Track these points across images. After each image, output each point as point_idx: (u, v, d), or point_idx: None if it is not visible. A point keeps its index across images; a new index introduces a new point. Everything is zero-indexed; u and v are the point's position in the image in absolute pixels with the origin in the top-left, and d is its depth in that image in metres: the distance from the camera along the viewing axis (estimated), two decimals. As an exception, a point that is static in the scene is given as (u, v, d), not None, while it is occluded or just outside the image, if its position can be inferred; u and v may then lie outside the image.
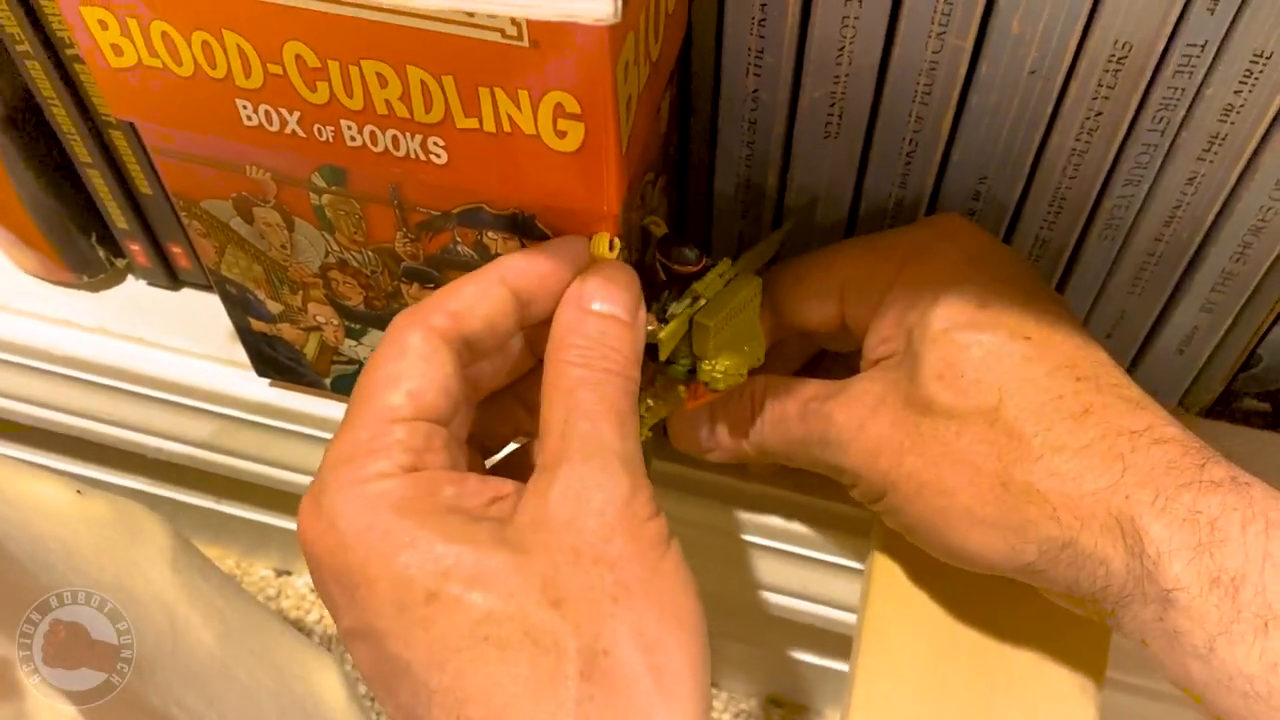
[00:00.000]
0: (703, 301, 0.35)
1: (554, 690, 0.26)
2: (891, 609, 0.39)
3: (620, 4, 0.22)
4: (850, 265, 0.37)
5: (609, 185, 0.31)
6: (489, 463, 0.37)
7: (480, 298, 0.31)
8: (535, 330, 0.33)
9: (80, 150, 0.44)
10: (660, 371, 0.36)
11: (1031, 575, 0.32)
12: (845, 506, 0.44)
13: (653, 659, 0.27)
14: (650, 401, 0.37)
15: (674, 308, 0.35)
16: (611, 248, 0.32)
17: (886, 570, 0.40)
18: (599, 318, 0.31)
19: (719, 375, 0.35)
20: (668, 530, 0.30)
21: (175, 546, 0.41)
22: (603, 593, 0.28)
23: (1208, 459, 0.31)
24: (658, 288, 0.36)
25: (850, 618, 0.46)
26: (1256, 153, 0.35)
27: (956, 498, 0.32)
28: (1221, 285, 0.40)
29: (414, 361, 0.30)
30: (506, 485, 0.31)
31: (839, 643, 0.46)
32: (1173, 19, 0.32)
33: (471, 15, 0.27)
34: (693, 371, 0.36)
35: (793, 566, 0.46)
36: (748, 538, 0.46)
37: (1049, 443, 0.31)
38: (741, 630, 0.54)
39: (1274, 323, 0.40)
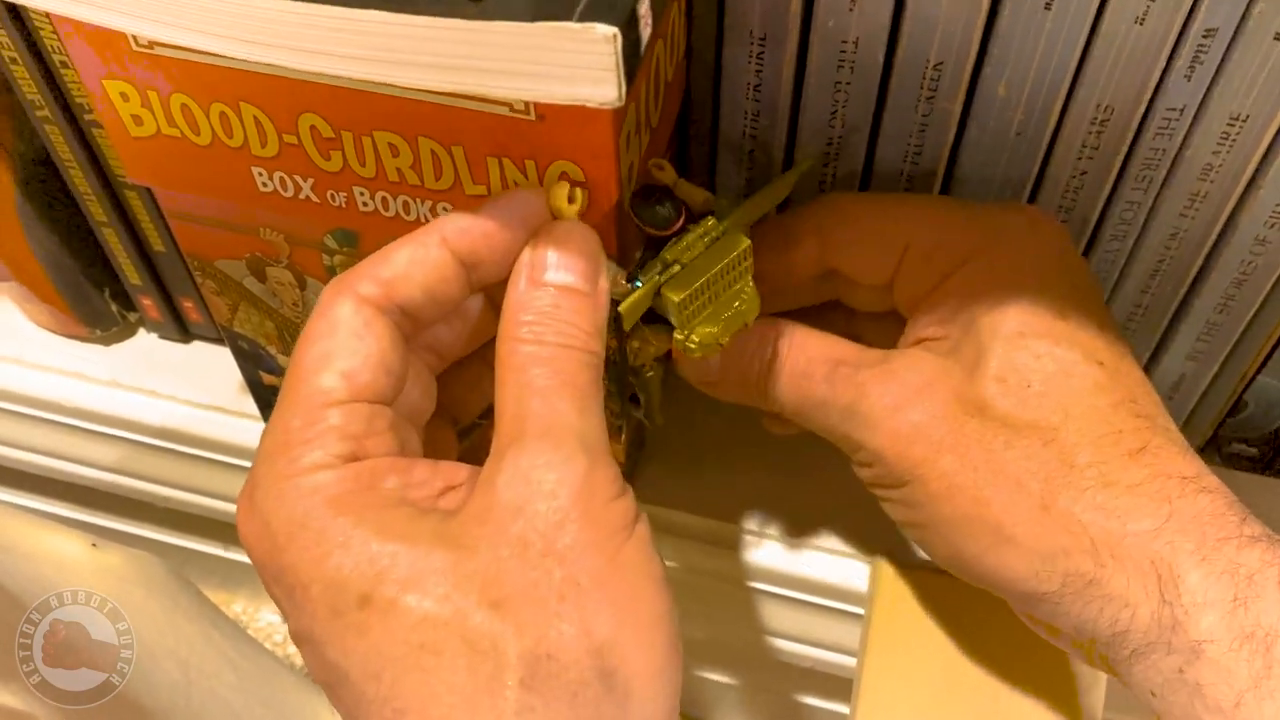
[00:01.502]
0: (676, 268, 0.32)
1: (492, 701, 0.24)
2: (891, 653, 0.40)
3: (625, 89, 0.23)
4: (920, 224, 0.34)
5: (610, 248, 0.32)
6: (461, 438, 0.34)
7: (416, 262, 0.28)
8: (497, 290, 0.30)
9: (96, 210, 0.46)
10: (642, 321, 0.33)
11: (1037, 604, 0.31)
12: (845, 550, 0.44)
13: (604, 662, 0.25)
14: (637, 342, 0.34)
15: (644, 273, 0.32)
16: (572, 200, 0.29)
17: (886, 615, 0.41)
18: (553, 289, 0.28)
19: (692, 345, 0.33)
20: (633, 512, 0.27)
21: (188, 598, 0.42)
22: (549, 590, 0.25)
23: (1246, 514, 0.30)
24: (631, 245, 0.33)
25: (850, 660, 0.47)
26: (1236, 209, 0.36)
27: (989, 509, 0.31)
28: (1206, 335, 0.41)
29: (345, 337, 0.27)
30: (460, 472, 0.28)
31: (839, 685, 0.47)
32: (1152, 84, 0.33)
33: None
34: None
35: (792, 611, 0.47)
36: (747, 582, 0.46)
37: (1101, 476, 0.30)
38: (740, 674, 0.55)
39: (1259, 371, 0.41)
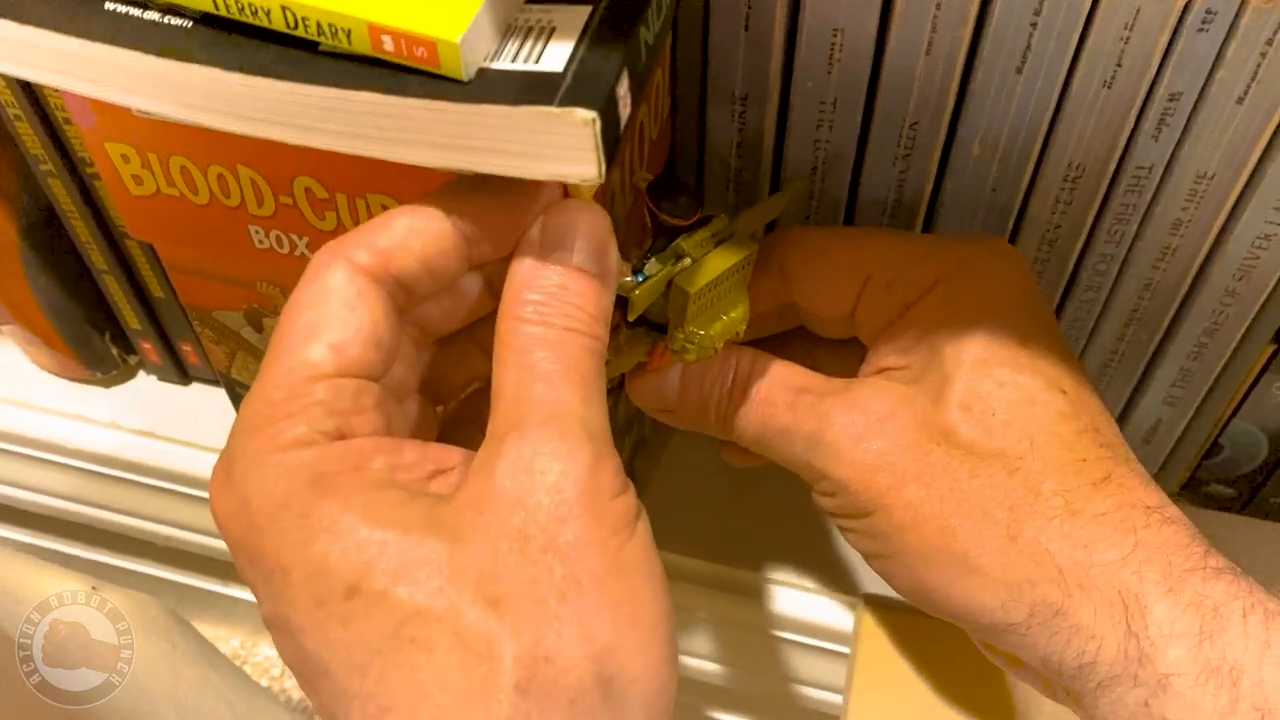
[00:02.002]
0: (687, 261, 0.31)
1: (485, 704, 0.23)
2: (875, 691, 0.41)
3: (605, 167, 0.24)
4: (883, 256, 0.34)
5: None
6: (440, 415, 0.33)
7: (416, 232, 0.27)
8: (495, 268, 0.28)
9: (97, 258, 0.47)
10: (625, 323, 0.32)
11: (1002, 636, 0.31)
12: (831, 592, 0.45)
13: (603, 667, 0.24)
14: (609, 355, 0.31)
15: (654, 264, 0.31)
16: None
17: (870, 654, 0.41)
18: (561, 269, 0.27)
19: (691, 346, 0.32)
20: (635, 508, 0.26)
21: (186, 640, 0.42)
22: (549, 588, 0.24)
23: (1209, 546, 0.30)
24: (640, 234, 0.32)
25: (836, 698, 0.48)
26: (1206, 262, 0.37)
27: (955, 538, 0.30)
28: (1181, 381, 0.42)
29: (336, 308, 0.26)
30: (452, 455, 0.27)
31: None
32: (1121, 144, 0.34)
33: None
34: (662, 330, 0.32)
35: (774, 649, 0.47)
36: (730, 620, 0.47)
37: (1067, 505, 0.30)
38: (724, 709, 0.56)
39: (1233, 415, 0.42)
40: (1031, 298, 0.33)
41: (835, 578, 0.46)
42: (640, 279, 0.30)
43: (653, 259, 0.31)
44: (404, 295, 0.27)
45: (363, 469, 0.25)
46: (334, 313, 0.26)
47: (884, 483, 0.31)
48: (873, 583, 0.42)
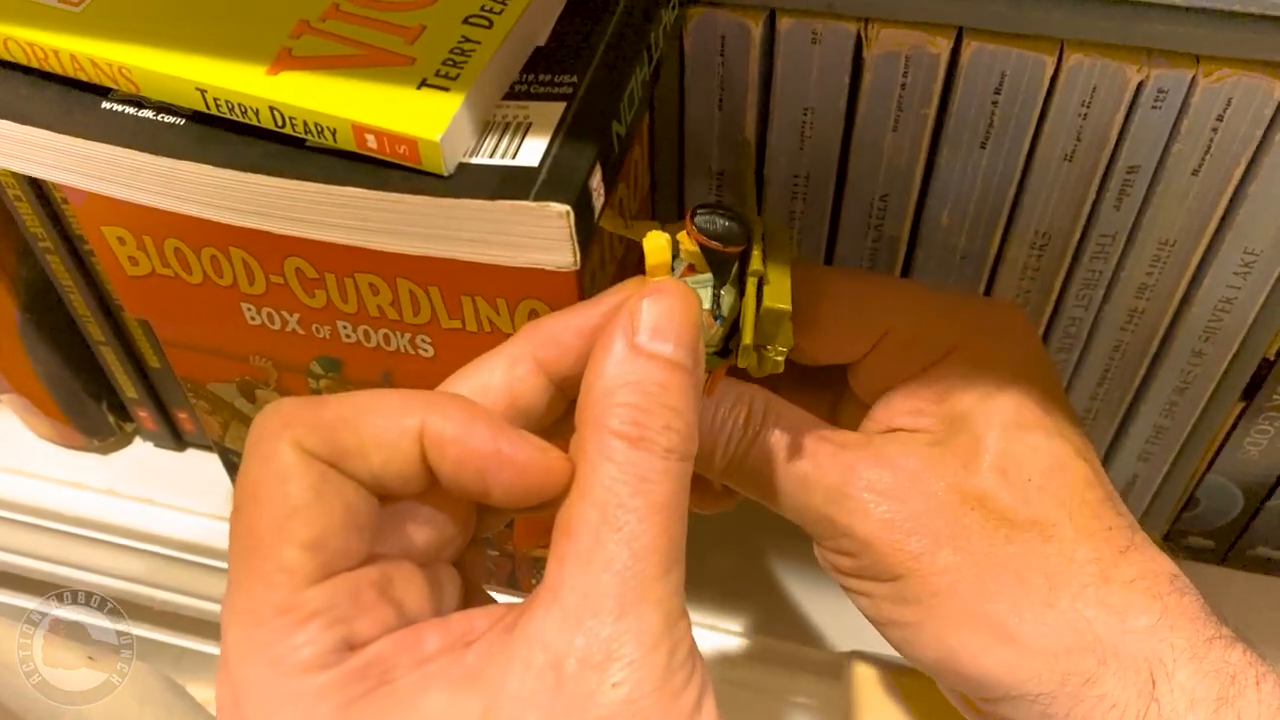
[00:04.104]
0: (753, 282, 0.28)
1: None
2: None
3: (580, 255, 0.25)
4: (901, 310, 0.32)
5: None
6: None
7: (377, 441, 0.23)
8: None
9: (94, 330, 0.48)
10: None
11: (1020, 704, 0.29)
12: (816, 652, 0.46)
13: None
14: None
15: (731, 302, 0.28)
16: (674, 254, 0.26)
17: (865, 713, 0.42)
18: (655, 362, 0.23)
19: (779, 359, 0.28)
20: (701, 684, 0.23)
21: (182, 707, 0.43)
22: None
23: (1218, 615, 0.30)
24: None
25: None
26: (1172, 324, 0.38)
27: (993, 606, 0.29)
28: (1155, 438, 0.43)
29: (300, 493, 0.22)
30: (476, 621, 0.24)
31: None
32: (1085, 214, 0.36)
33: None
34: (722, 354, 0.29)
35: (760, 705, 0.48)
36: (723, 678, 0.48)
37: (1100, 573, 0.29)
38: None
39: (1207, 470, 0.43)
40: (1045, 363, 0.33)
41: (820, 632, 0.46)
42: (719, 320, 0.27)
43: (724, 294, 0.28)
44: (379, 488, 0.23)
45: (390, 681, 0.22)
46: (299, 501, 0.22)
47: (917, 546, 0.30)
48: (859, 639, 0.43)
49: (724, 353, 0.29)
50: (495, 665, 0.22)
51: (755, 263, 0.28)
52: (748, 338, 0.27)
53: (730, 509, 0.35)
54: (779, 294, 0.28)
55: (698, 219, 0.27)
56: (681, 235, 0.27)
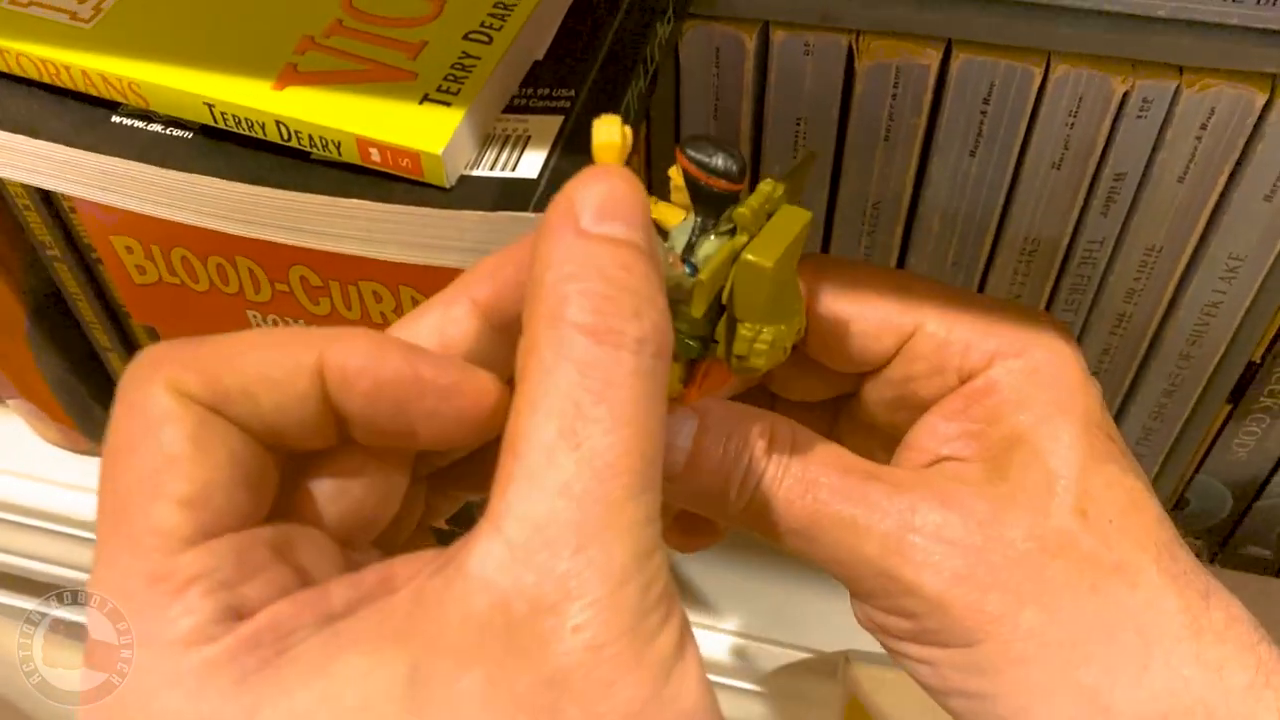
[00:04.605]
0: (743, 238, 0.23)
1: None
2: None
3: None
4: (932, 304, 0.28)
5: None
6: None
7: (267, 380, 0.20)
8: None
9: (101, 337, 0.48)
10: None
11: None
12: (812, 652, 0.46)
13: None
14: None
15: (711, 242, 0.23)
16: (621, 137, 0.20)
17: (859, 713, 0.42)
18: (611, 244, 0.19)
19: (762, 348, 0.23)
20: (678, 632, 0.19)
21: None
22: None
23: None
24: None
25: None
26: (1160, 328, 0.39)
27: (1084, 673, 0.25)
28: (1145, 440, 0.43)
29: (175, 439, 0.19)
30: (401, 567, 0.20)
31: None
32: (1073, 220, 0.36)
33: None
34: (703, 344, 0.24)
35: (751, 707, 0.48)
36: (719, 678, 0.48)
37: (1192, 623, 0.25)
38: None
39: (1196, 471, 0.44)
40: (1095, 383, 0.28)
41: (814, 632, 0.47)
42: (690, 270, 0.22)
43: (709, 237, 0.23)
44: (271, 435, 0.20)
45: (291, 647, 0.18)
46: (175, 451, 0.19)
47: (997, 606, 0.25)
48: (855, 639, 0.44)
49: (705, 343, 0.24)
50: (424, 614, 0.18)
51: (749, 221, 0.23)
52: (704, 274, 0.22)
53: (707, 547, 0.31)
54: (766, 250, 0.23)
55: (689, 149, 0.23)
56: (672, 171, 0.23)
